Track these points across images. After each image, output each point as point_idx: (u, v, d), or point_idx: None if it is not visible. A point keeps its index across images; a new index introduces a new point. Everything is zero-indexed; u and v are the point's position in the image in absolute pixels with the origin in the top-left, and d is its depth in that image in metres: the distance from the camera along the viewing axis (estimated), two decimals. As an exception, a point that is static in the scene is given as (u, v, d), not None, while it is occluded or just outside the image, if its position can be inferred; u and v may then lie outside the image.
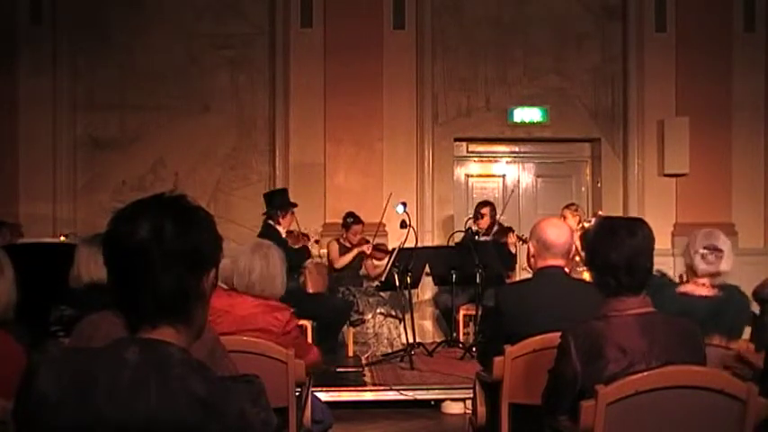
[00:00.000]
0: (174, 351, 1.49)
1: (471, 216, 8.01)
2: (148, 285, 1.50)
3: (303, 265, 7.47)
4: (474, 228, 7.79)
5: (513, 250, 7.73)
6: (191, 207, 1.57)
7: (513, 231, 7.83)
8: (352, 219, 7.75)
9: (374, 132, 8.57)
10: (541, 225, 3.50)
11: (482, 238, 7.73)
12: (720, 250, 3.35)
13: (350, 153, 8.56)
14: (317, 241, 7.68)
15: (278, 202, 7.12)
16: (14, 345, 2.76)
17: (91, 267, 3.50)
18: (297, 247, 7.15)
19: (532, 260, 3.50)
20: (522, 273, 7.82)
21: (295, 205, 7.27)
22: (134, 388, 1.43)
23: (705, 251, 3.35)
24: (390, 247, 7.63)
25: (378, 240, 7.83)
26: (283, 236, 6.94)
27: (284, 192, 7.41)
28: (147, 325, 1.52)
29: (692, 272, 3.39)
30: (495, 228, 7.89)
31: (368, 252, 7.69)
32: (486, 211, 7.92)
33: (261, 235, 6.91)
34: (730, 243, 3.46)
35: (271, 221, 7.04)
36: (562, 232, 3.46)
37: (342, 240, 7.78)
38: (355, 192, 8.39)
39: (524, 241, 7.70)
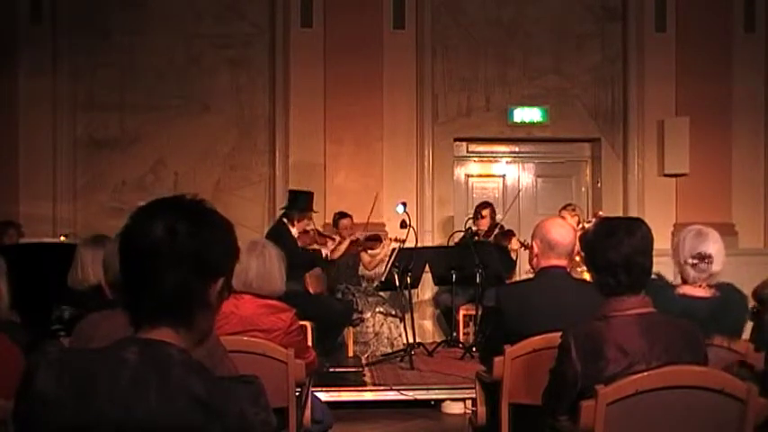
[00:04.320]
0: (173, 352, 1.48)
1: (471, 216, 8.00)
2: (153, 284, 1.50)
3: (315, 265, 7.42)
4: (474, 228, 7.79)
5: (514, 257, 7.69)
6: (208, 212, 1.57)
7: (515, 236, 7.79)
8: (339, 215, 7.79)
9: (374, 132, 8.57)
10: (546, 225, 3.50)
11: (481, 239, 7.71)
12: (709, 256, 3.27)
13: (350, 153, 8.56)
14: (339, 243, 7.58)
15: (299, 204, 7.12)
16: (11, 345, 2.76)
17: (98, 268, 3.51)
18: (309, 247, 7.15)
19: (535, 259, 3.50)
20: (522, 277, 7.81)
21: (315, 212, 7.36)
22: (134, 388, 1.43)
23: (694, 261, 3.27)
24: (388, 243, 7.63)
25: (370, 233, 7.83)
26: (295, 236, 6.95)
27: (309, 195, 7.36)
28: (148, 324, 1.52)
29: (681, 278, 3.37)
30: (496, 230, 7.87)
31: (360, 237, 7.66)
32: (486, 212, 7.91)
33: (271, 230, 6.95)
34: (721, 241, 3.34)
35: (285, 219, 7.04)
36: (567, 232, 3.47)
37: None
38: (355, 192, 8.39)
39: (527, 247, 7.68)
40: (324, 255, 7.26)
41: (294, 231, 6.98)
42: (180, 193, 1.58)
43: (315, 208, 8.34)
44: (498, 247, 7.66)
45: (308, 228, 7.26)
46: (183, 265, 1.50)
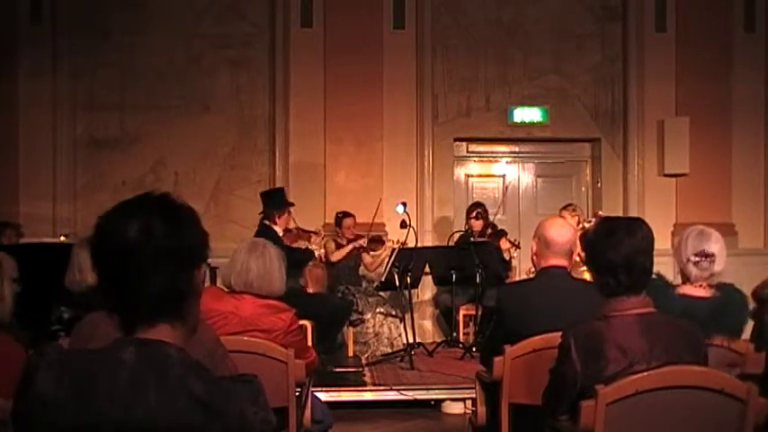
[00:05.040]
0: (171, 351, 1.49)
1: (467, 216, 8.00)
2: (142, 286, 1.50)
3: (305, 265, 7.45)
4: (470, 229, 7.79)
5: (506, 257, 7.69)
6: (177, 205, 1.57)
7: (507, 235, 7.79)
8: (342, 214, 7.79)
9: (374, 132, 8.57)
10: (545, 224, 3.51)
11: (476, 239, 7.71)
12: (712, 254, 3.28)
13: (350, 153, 8.56)
14: (324, 236, 7.60)
15: (274, 201, 7.08)
16: (14, 345, 2.76)
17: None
18: (296, 246, 7.13)
19: (535, 258, 3.50)
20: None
21: (292, 204, 7.24)
22: (133, 388, 1.43)
23: (697, 258, 3.27)
24: (390, 246, 7.63)
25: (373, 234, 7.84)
26: (280, 235, 6.91)
27: (281, 190, 7.36)
28: (144, 325, 1.52)
29: (683, 276, 3.37)
30: (489, 230, 7.87)
31: (364, 245, 7.67)
32: (480, 211, 7.90)
33: (257, 235, 6.88)
34: (723, 241, 3.35)
35: (267, 221, 7.00)
36: (565, 231, 3.46)
37: (338, 239, 7.79)
38: (355, 192, 8.39)
39: (517, 246, 7.69)
40: (318, 255, 7.21)
41: (279, 230, 6.93)
42: (145, 192, 1.58)
43: (314, 208, 8.35)
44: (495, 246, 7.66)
45: (290, 226, 7.25)
46: (168, 262, 1.50)
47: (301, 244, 7.19)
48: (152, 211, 1.52)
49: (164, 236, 1.50)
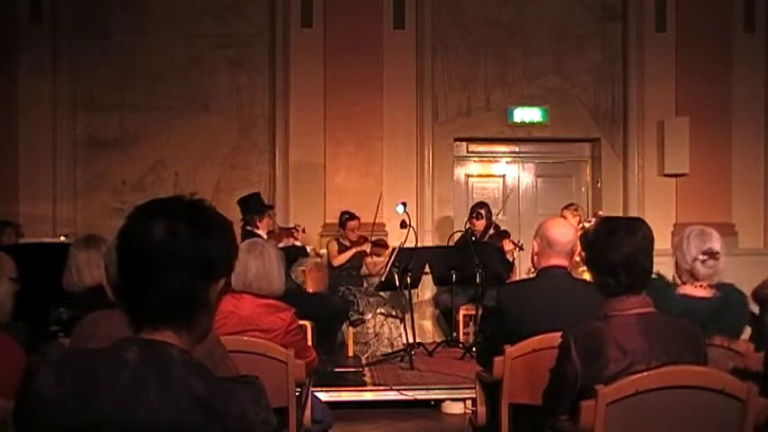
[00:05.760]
0: (174, 352, 1.48)
1: (469, 216, 7.99)
2: (155, 287, 1.50)
3: (301, 259, 7.50)
4: (472, 228, 7.79)
5: (509, 258, 7.69)
6: (208, 212, 1.56)
7: (509, 236, 7.79)
8: (347, 215, 7.79)
9: (374, 132, 8.57)
10: (547, 224, 3.52)
11: (478, 240, 7.70)
12: (717, 252, 3.29)
13: (350, 153, 8.56)
14: (303, 230, 7.63)
15: (253, 207, 7.14)
16: (15, 345, 2.76)
17: (93, 270, 3.50)
18: (281, 245, 7.16)
19: (536, 258, 3.50)
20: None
21: (271, 207, 7.37)
22: (134, 388, 1.43)
23: (704, 257, 3.28)
24: (390, 247, 7.64)
25: (376, 238, 7.85)
26: (265, 239, 6.93)
27: (257, 195, 7.43)
28: (149, 326, 1.52)
29: (690, 276, 3.37)
30: (491, 231, 7.87)
31: (367, 251, 7.71)
32: (482, 212, 7.91)
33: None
34: (722, 240, 3.37)
35: (249, 227, 7.03)
36: (567, 231, 3.47)
37: (341, 239, 7.80)
38: (355, 192, 8.39)
39: (520, 248, 7.68)
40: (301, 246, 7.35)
41: (263, 234, 6.95)
42: (178, 193, 1.57)
43: (314, 208, 8.35)
44: (495, 247, 7.66)
45: (271, 227, 7.29)
46: (186, 268, 1.49)
47: (287, 242, 7.23)
48: (180, 215, 1.51)
49: (186, 241, 1.49)
